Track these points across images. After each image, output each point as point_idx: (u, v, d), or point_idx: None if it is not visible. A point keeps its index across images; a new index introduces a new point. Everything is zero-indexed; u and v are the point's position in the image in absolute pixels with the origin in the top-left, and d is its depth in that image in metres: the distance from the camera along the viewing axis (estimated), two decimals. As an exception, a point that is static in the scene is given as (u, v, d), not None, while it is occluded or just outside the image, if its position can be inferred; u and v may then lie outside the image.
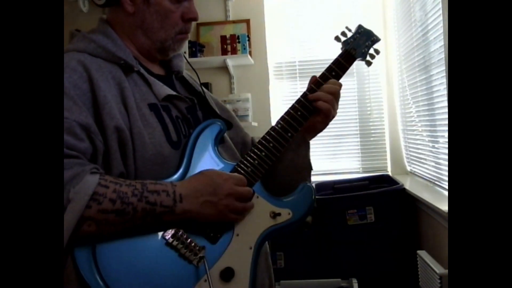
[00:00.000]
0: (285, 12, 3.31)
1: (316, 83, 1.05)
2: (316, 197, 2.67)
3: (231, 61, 3.16)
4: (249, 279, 0.92)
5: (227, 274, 0.90)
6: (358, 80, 3.26)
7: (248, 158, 0.99)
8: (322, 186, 2.92)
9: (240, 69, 3.28)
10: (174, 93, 1.02)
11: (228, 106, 3.02)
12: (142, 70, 0.99)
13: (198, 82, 1.14)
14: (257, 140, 1.07)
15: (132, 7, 0.99)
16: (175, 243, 0.88)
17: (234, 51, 3.07)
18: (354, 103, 3.27)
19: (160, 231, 0.88)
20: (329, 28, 3.16)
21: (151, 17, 0.99)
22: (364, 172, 3.27)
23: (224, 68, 3.23)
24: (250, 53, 3.15)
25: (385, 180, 2.93)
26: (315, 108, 1.03)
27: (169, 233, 0.88)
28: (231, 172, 0.97)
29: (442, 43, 2.14)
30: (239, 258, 0.92)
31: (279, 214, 0.97)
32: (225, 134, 1.06)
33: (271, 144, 1.00)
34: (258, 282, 0.98)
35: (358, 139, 3.30)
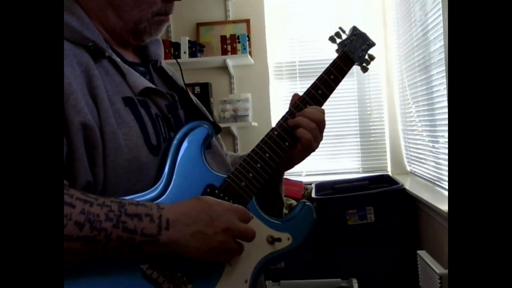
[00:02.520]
0: (285, 12, 3.31)
1: (302, 100, 0.91)
2: (316, 197, 2.70)
3: (231, 61, 3.16)
4: None
5: None
6: (358, 80, 3.26)
7: (242, 170, 0.83)
8: (322, 186, 2.92)
9: (240, 69, 3.28)
10: (154, 86, 0.85)
11: (228, 106, 3.07)
12: (114, 56, 0.82)
13: (181, 77, 0.99)
14: (233, 157, 0.96)
15: None
16: (154, 275, 0.71)
17: (234, 51, 3.07)
18: (354, 103, 3.27)
19: (152, 268, 0.72)
20: (329, 28, 3.14)
21: None
22: (364, 172, 3.27)
23: (224, 68, 3.23)
24: (250, 53, 3.15)
25: (385, 180, 2.93)
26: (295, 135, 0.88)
27: (147, 264, 0.72)
28: (221, 186, 0.81)
29: (442, 43, 2.14)
30: None
31: (278, 240, 0.82)
32: (213, 139, 0.90)
33: (267, 155, 0.85)
34: None
35: (358, 139, 3.30)
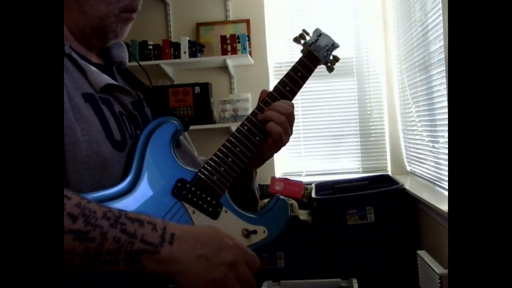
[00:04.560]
0: (285, 12, 3.31)
1: (270, 96, 0.92)
2: (316, 197, 2.70)
3: (231, 61, 3.16)
4: None
5: None
6: (358, 80, 3.26)
7: (213, 164, 0.82)
8: (322, 186, 2.92)
9: (240, 69, 3.28)
10: (116, 83, 0.82)
11: (228, 106, 3.07)
12: (74, 55, 0.79)
13: (149, 80, 0.97)
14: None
15: None
16: None
17: (234, 51, 3.06)
18: (354, 103, 3.27)
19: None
20: (329, 28, 3.16)
21: None
22: (364, 172, 3.27)
23: (224, 68, 3.23)
24: (250, 53, 3.15)
25: (385, 180, 2.93)
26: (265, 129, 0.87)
27: None
28: (193, 180, 0.79)
29: (442, 43, 2.14)
30: None
31: (254, 232, 0.81)
32: (181, 137, 0.89)
33: (238, 149, 0.84)
34: None
35: (358, 139, 3.30)
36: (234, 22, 3.25)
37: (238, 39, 3.07)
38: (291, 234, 2.61)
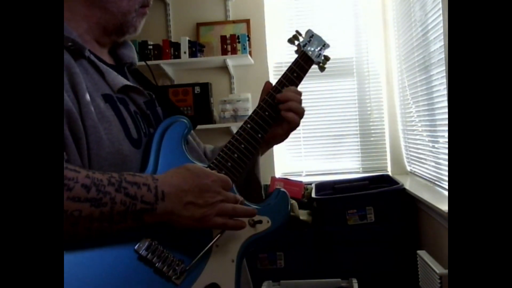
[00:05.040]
0: (285, 12, 3.31)
1: (280, 84, 1.00)
2: (316, 197, 2.70)
3: (231, 61, 3.16)
4: None
5: None
6: (358, 80, 3.26)
7: (221, 160, 0.90)
8: (322, 186, 2.92)
9: (240, 69, 3.28)
10: (131, 84, 0.88)
11: (228, 106, 3.07)
12: (92, 57, 0.85)
13: (154, 80, 1.04)
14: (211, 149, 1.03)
15: None
16: (149, 256, 0.75)
17: (234, 51, 3.06)
18: (354, 103, 3.27)
19: (133, 240, 0.75)
20: (329, 28, 3.16)
21: None
22: (364, 172, 3.27)
23: (224, 68, 3.23)
24: (250, 53, 3.15)
25: (385, 180, 2.92)
26: (279, 114, 0.96)
27: (142, 246, 0.75)
28: None
29: (442, 43, 2.14)
30: (222, 272, 0.83)
31: (259, 222, 0.88)
32: (189, 135, 0.95)
33: (243, 146, 0.92)
34: None
35: (358, 139, 3.30)
36: (234, 22, 3.25)
37: (238, 39, 3.07)
38: (291, 234, 2.61)
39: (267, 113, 0.96)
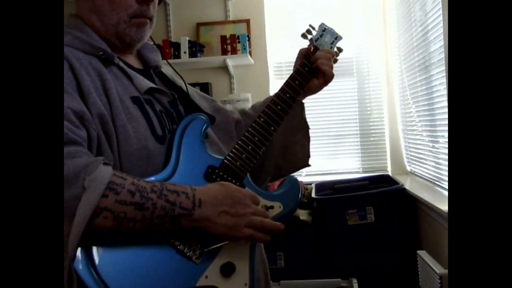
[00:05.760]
0: (285, 12, 3.31)
1: (307, 57, 1.10)
2: (316, 197, 2.70)
3: (231, 61, 3.16)
4: (249, 273, 0.91)
5: (228, 269, 0.89)
6: (358, 80, 3.26)
7: (236, 152, 0.97)
8: (322, 186, 2.92)
9: (240, 69, 3.28)
10: (156, 86, 0.99)
11: (228, 106, 3.06)
12: (121, 64, 0.96)
13: (180, 77, 1.12)
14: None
15: None
16: (171, 240, 0.85)
17: (234, 51, 3.07)
18: (354, 103, 3.27)
19: (169, 236, 0.85)
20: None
21: None
22: (364, 172, 3.27)
23: (224, 68, 3.23)
24: (250, 53, 3.15)
25: (385, 180, 2.93)
26: (315, 70, 1.08)
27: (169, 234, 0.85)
28: (220, 166, 0.95)
29: (442, 43, 2.14)
30: (237, 253, 0.91)
31: (271, 207, 0.97)
32: (209, 129, 1.03)
33: (256, 138, 1.00)
34: (255, 277, 0.95)
35: (358, 139, 3.30)
36: (234, 22, 3.25)
37: (238, 39, 3.07)
38: (291, 234, 2.61)
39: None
